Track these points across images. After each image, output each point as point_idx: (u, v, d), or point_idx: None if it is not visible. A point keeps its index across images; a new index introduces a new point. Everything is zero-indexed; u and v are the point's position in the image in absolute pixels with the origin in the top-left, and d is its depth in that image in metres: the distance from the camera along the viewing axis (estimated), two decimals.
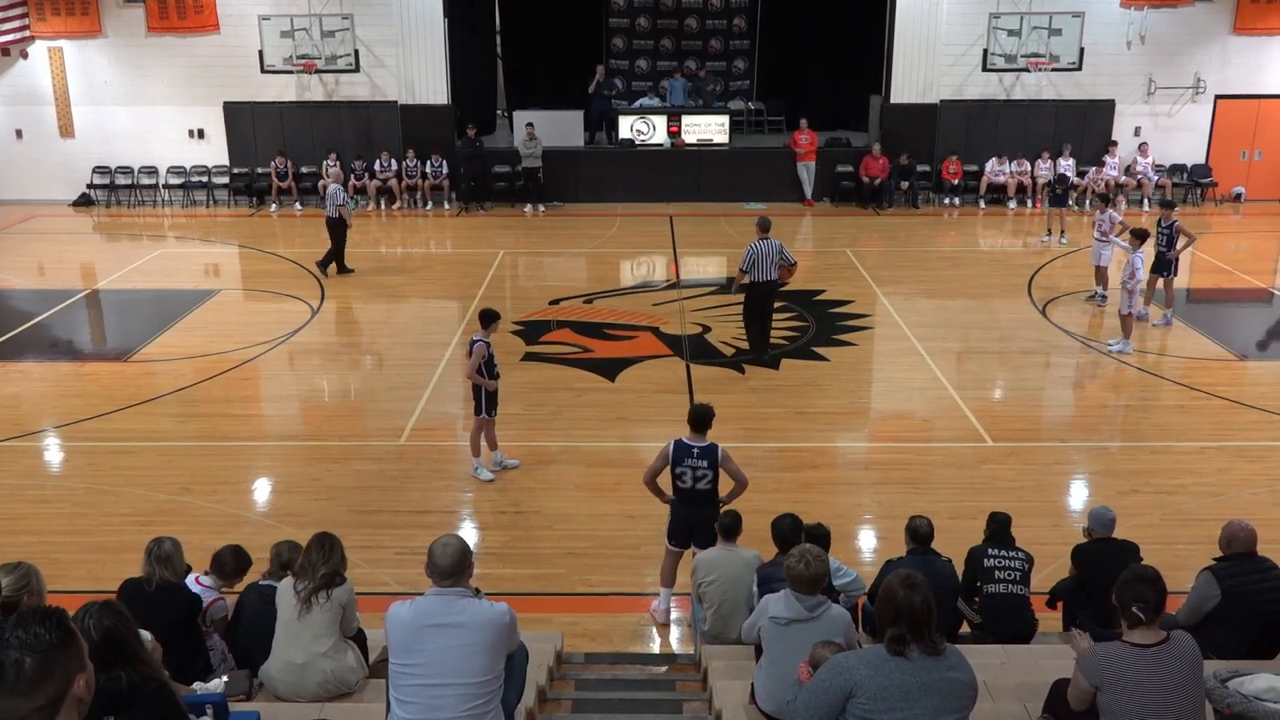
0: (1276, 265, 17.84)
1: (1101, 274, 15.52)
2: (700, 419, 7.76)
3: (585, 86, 23.18)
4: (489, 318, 10.04)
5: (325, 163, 19.68)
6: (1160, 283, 14.44)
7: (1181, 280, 15.32)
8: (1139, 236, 13.52)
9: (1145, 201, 21.70)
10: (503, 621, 4.57)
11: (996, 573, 6.80)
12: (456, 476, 10.31)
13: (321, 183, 20.21)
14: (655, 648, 7.90)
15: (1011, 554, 6.90)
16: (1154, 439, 11.18)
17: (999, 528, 7.12)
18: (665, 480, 7.89)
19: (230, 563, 6.31)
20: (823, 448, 11.10)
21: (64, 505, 9.79)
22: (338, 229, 16.80)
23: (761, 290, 12.92)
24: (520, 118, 22.37)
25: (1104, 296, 15.40)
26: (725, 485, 7.80)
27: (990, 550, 6.92)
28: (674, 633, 7.99)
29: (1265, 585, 6.14)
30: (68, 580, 8.04)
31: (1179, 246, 14.36)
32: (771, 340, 13.36)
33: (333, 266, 16.97)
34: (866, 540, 9.23)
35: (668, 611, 8.04)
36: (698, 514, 7.70)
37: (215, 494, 9.91)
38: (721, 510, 7.39)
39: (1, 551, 7.22)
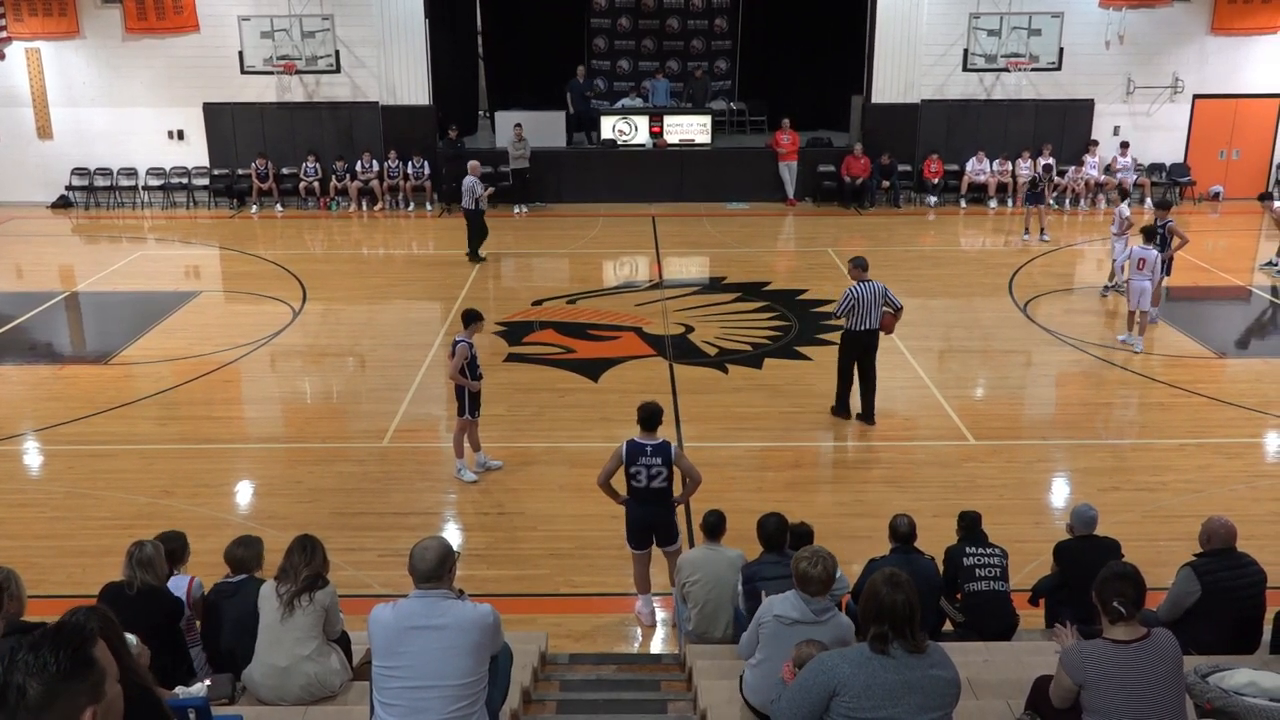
0: (1254, 263, 17.96)
1: (1115, 269, 15.67)
2: (650, 417, 7.75)
3: (567, 87, 23.15)
4: (471, 318, 10.02)
5: (470, 162, 19.18)
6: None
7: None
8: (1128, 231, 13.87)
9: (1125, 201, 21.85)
10: (486, 623, 4.56)
11: (977, 571, 6.84)
12: (440, 478, 10.28)
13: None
14: (640, 648, 7.90)
15: (989, 550, 6.95)
16: (1134, 436, 11.26)
17: (971, 525, 7.17)
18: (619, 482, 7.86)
19: (176, 549, 6.30)
20: (806, 447, 11.12)
21: (43, 509, 9.72)
22: (475, 220, 17.48)
23: (862, 341, 11.19)
24: (502, 118, 22.35)
25: (1109, 289, 15.75)
26: (680, 486, 7.81)
27: (968, 549, 6.95)
28: (659, 632, 8.00)
29: (1244, 581, 6.20)
30: (48, 585, 7.99)
31: (1173, 247, 14.49)
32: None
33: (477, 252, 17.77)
34: (850, 539, 9.23)
35: (652, 614, 8.04)
36: (653, 513, 7.72)
37: (196, 497, 9.85)
38: (676, 508, 7.39)
39: None
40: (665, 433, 7.95)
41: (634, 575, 8.05)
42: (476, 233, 17.71)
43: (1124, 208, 15.79)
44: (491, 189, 17.80)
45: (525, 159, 21.29)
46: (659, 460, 7.59)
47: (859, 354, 11.26)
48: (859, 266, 11.22)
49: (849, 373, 11.37)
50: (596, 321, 14.89)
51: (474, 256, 17.78)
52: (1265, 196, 17.88)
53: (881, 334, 11.22)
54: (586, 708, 6.32)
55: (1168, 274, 14.62)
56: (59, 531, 9.27)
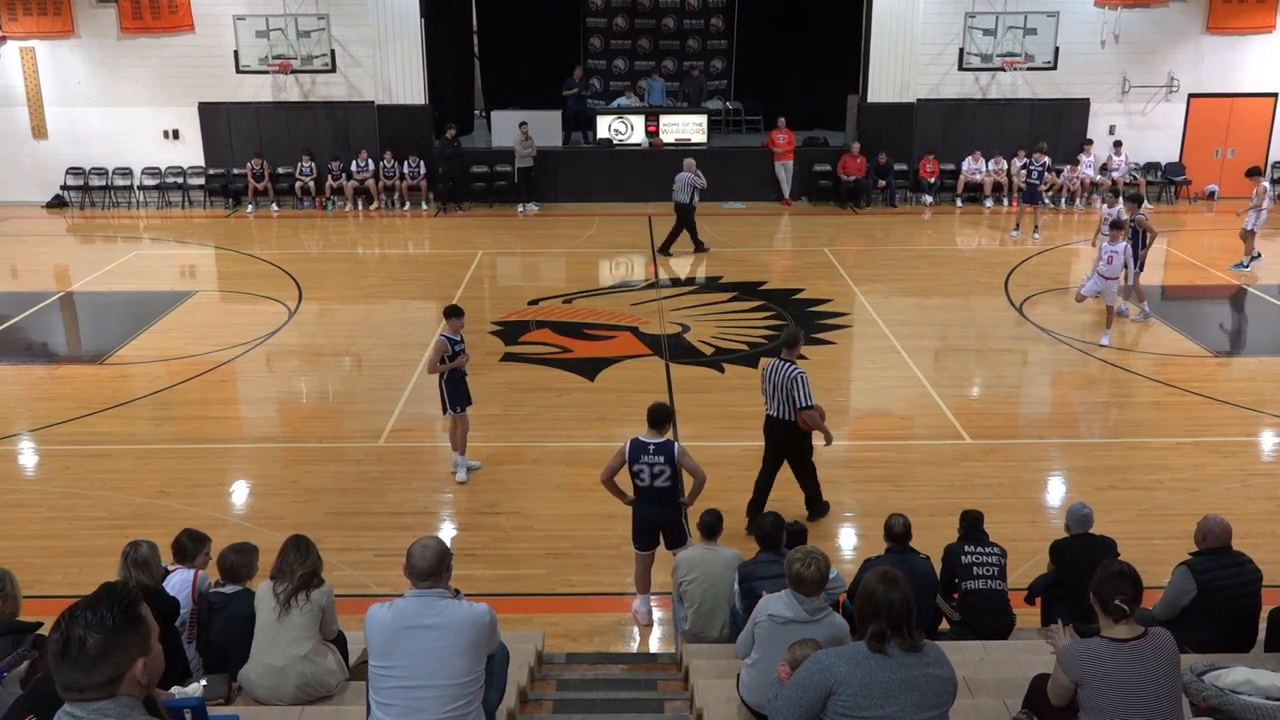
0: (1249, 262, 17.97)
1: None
2: (657, 417, 7.72)
3: (563, 86, 23.15)
4: (450, 313, 10.00)
5: (686, 160, 18.96)
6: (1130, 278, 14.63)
7: (1155, 277, 15.45)
8: (1116, 227, 13.83)
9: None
10: (483, 622, 4.55)
11: (975, 569, 6.85)
12: (436, 477, 10.27)
13: None
14: (636, 647, 7.90)
15: (988, 550, 6.96)
16: (1130, 435, 11.26)
17: (972, 524, 7.17)
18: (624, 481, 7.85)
19: (189, 545, 6.31)
20: None
21: (39, 509, 9.69)
22: (687, 214, 18.18)
23: (774, 428, 9.02)
24: (499, 118, 22.33)
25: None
26: (689, 485, 7.79)
27: (967, 547, 6.96)
28: (655, 632, 7.99)
29: (1240, 579, 6.20)
30: (43, 585, 7.97)
31: (1147, 242, 14.51)
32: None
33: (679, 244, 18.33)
34: (846, 538, 9.24)
35: (649, 614, 8.04)
36: (659, 513, 7.68)
37: (193, 497, 9.83)
38: (684, 509, 7.36)
39: None
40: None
41: (635, 574, 8.04)
42: (691, 226, 18.24)
43: (1110, 208, 15.61)
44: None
45: (531, 157, 21.28)
46: (661, 459, 7.57)
47: (772, 444, 9.09)
48: (782, 342, 9.16)
49: (765, 463, 9.16)
50: (593, 321, 14.89)
51: (699, 246, 18.35)
52: (1254, 172, 17.64)
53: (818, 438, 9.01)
54: (583, 707, 6.32)
55: (1140, 269, 14.62)
56: (54, 532, 9.25)
